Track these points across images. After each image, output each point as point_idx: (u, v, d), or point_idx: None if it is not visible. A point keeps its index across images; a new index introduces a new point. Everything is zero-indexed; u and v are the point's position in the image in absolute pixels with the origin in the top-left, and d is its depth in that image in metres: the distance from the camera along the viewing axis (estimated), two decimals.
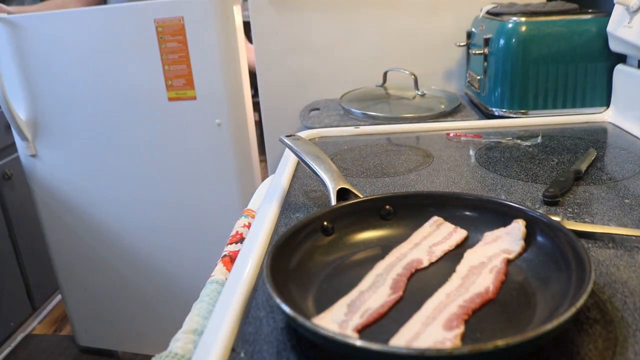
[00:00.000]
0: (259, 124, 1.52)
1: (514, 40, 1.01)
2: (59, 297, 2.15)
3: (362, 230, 0.56)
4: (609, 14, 0.97)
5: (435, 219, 0.56)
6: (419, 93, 1.22)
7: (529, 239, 0.51)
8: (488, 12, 1.15)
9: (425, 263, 0.50)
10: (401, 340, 0.39)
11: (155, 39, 1.33)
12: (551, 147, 0.85)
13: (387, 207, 0.57)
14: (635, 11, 0.87)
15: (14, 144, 1.82)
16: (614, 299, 0.45)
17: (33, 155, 1.53)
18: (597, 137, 0.90)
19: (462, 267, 0.49)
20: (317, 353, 0.41)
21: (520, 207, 0.53)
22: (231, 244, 0.67)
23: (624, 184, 0.69)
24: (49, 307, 2.12)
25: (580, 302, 0.37)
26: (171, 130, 1.42)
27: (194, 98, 1.37)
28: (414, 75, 1.22)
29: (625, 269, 0.49)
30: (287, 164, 0.82)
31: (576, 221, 0.59)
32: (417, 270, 0.50)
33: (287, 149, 0.77)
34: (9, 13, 1.39)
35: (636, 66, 0.95)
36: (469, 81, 1.24)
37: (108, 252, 1.60)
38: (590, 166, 0.75)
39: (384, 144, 0.93)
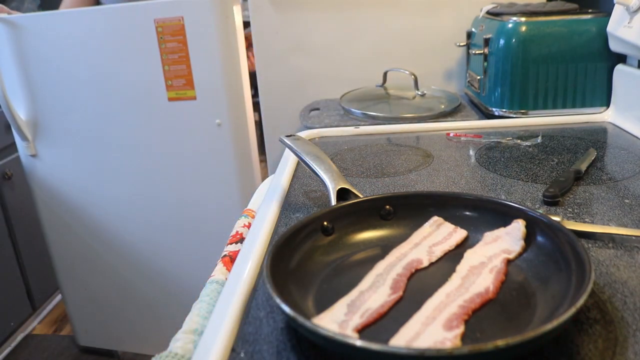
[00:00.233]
0: (259, 124, 1.52)
1: (514, 40, 1.01)
2: (59, 297, 2.15)
3: (362, 230, 0.56)
4: (609, 14, 0.97)
5: (435, 219, 0.56)
6: (419, 93, 1.22)
7: (529, 239, 0.51)
8: (488, 12, 1.15)
9: (425, 263, 0.50)
10: (401, 340, 0.39)
11: (155, 39, 1.33)
12: (551, 147, 0.85)
13: (387, 207, 0.57)
14: (635, 11, 0.87)
15: (14, 144, 1.82)
16: (614, 299, 0.45)
17: (33, 155, 1.53)
18: (597, 137, 0.90)
19: (462, 267, 0.49)
20: (317, 353, 0.41)
21: (520, 207, 0.53)
22: (231, 244, 0.67)
23: (624, 184, 0.69)
24: (49, 307, 2.12)
25: (580, 302, 0.37)
26: (171, 130, 1.42)
27: (194, 98, 1.37)
28: (414, 75, 1.22)
29: (625, 269, 0.49)
30: (287, 164, 0.82)
31: (576, 221, 0.59)
32: (417, 270, 0.50)
33: (287, 149, 0.77)
34: (9, 13, 1.39)
35: (636, 66, 0.95)
36: (469, 81, 1.24)
37: (108, 252, 1.60)
38: (590, 166, 0.75)
39: (384, 144, 0.93)
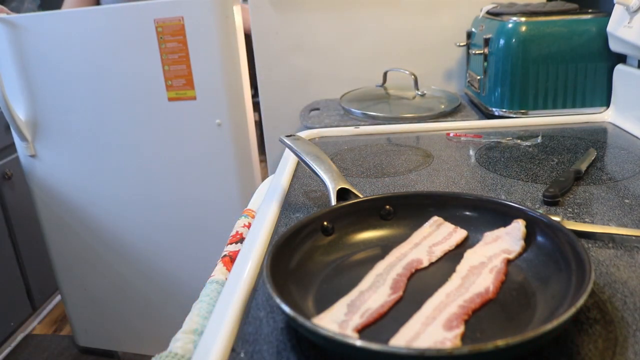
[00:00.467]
0: (259, 124, 1.52)
1: (514, 40, 1.01)
2: (59, 297, 2.15)
3: (362, 230, 0.56)
4: (609, 14, 0.97)
5: (435, 219, 0.56)
6: (419, 93, 1.22)
7: (529, 239, 0.51)
8: (488, 12, 1.15)
9: (425, 263, 0.50)
10: (401, 340, 0.39)
11: (155, 39, 1.33)
12: (551, 147, 0.85)
13: (387, 207, 0.57)
14: (635, 11, 0.87)
15: (14, 144, 1.82)
16: (614, 299, 0.45)
17: (32, 156, 1.53)
18: (597, 137, 0.90)
19: (462, 267, 0.49)
20: (317, 353, 0.41)
21: (520, 207, 0.53)
22: (231, 244, 0.67)
23: (624, 184, 0.69)
24: (49, 307, 2.12)
25: (580, 302, 0.37)
26: (171, 131, 1.42)
27: (194, 98, 1.37)
28: (414, 75, 1.22)
29: (625, 269, 0.49)
30: (287, 164, 0.82)
31: (576, 221, 0.59)
32: (417, 270, 0.50)
33: (287, 149, 0.77)
34: (8, 14, 1.38)
35: (636, 66, 0.95)
36: (469, 81, 1.24)
37: (108, 252, 1.60)
38: (590, 166, 0.75)
39: (384, 144, 0.93)
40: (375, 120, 1.11)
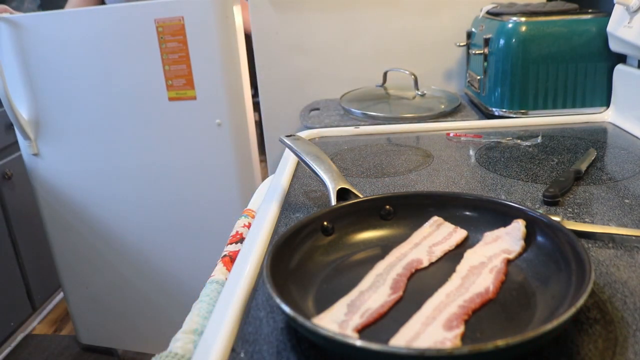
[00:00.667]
0: (259, 124, 1.52)
1: (514, 40, 1.01)
2: (59, 297, 2.15)
3: (362, 230, 0.56)
4: (609, 14, 0.97)
5: (435, 219, 0.56)
6: (419, 93, 1.22)
7: (529, 239, 0.51)
8: (488, 12, 1.15)
9: (425, 263, 0.50)
10: (401, 340, 0.39)
11: (156, 39, 1.33)
12: (551, 147, 0.85)
13: (387, 207, 0.57)
14: (635, 11, 0.87)
15: (14, 143, 1.83)
16: (614, 299, 0.45)
17: (35, 154, 1.53)
18: (597, 137, 0.90)
19: (462, 267, 0.49)
20: (317, 353, 0.41)
21: (520, 207, 0.53)
22: (231, 244, 0.67)
23: (624, 184, 0.69)
24: (49, 307, 2.12)
25: (580, 302, 0.37)
26: (171, 130, 1.42)
27: (194, 98, 1.37)
28: (414, 75, 1.22)
29: (625, 269, 0.49)
30: (287, 164, 0.82)
31: (576, 221, 0.59)
32: (417, 270, 0.50)
33: (287, 149, 0.77)
34: (11, 13, 1.39)
35: (636, 66, 0.95)
36: (469, 81, 1.24)
37: (109, 251, 1.61)
38: (590, 166, 0.75)
39: (384, 144, 0.93)
40: (375, 120, 1.11)
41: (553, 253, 0.47)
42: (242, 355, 0.41)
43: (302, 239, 0.52)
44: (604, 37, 0.98)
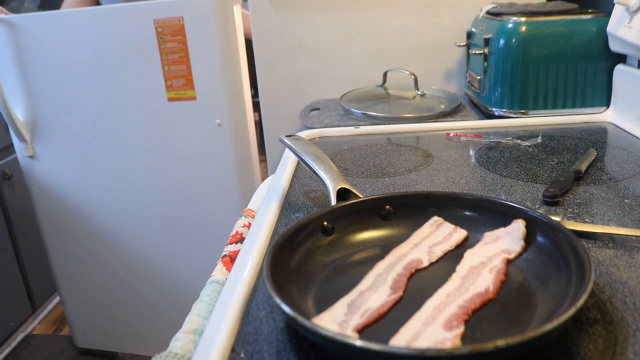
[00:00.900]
0: (259, 124, 1.52)
1: (514, 40, 1.01)
2: (59, 297, 2.15)
3: (362, 230, 0.56)
4: (609, 14, 0.97)
5: (435, 219, 0.56)
6: (419, 93, 1.22)
7: (529, 239, 0.51)
8: (488, 12, 1.15)
9: (425, 263, 0.50)
10: (401, 340, 0.39)
11: (155, 39, 1.33)
12: (551, 147, 0.85)
13: (387, 207, 0.57)
14: (635, 11, 0.87)
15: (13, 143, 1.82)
16: (614, 299, 0.45)
17: (31, 157, 1.52)
18: (597, 137, 0.90)
19: (462, 267, 0.49)
20: (317, 353, 0.41)
21: (520, 207, 0.53)
22: (231, 244, 0.67)
23: (624, 184, 0.69)
24: (49, 307, 2.12)
25: (580, 302, 0.37)
26: (171, 131, 1.42)
27: (194, 98, 1.37)
28: (414, 75, 1.22)
29: (625, 269, 0.49)
30: (287, 164, 0.82)
31: (576, 221, 0.59)
32: (417, 270, 0.50)
33: (287, 149, 0.77)
34: (6, 14, 1.38)
35: (636, 66, 0.95)
36: (469, 81, 1.24)
37: (108, 253, 1.60)
38: (590, 166, 0.75)
39: (384, 144, 0.93)
40: (375, 120, 1.11)
41: (553, 253, 0.47)
42: (242, 355, 0.41)
43: (302, 239, 0.52)
44: (604, 37, 0.98)
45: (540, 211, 0.58)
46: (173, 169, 1.46)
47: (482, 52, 1.08)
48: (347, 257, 0.53)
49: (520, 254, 0.50)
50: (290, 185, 0.75)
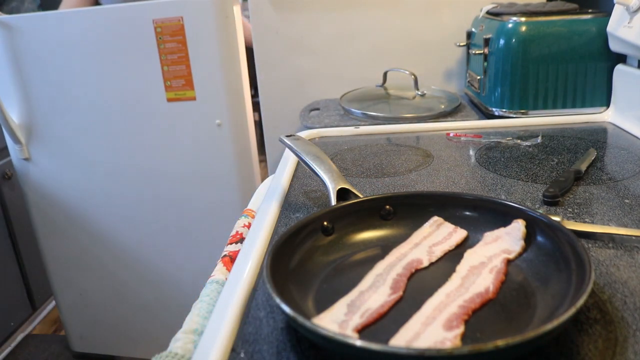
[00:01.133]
0: (259, 124, 1.52)
1: (514, 40, 1.01)
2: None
3: (362, 230, 0.56)
4: (609, 14, 0.97)
5: (435, 219, 0.56)
6: (419, 93, 1.22)
7: (529, 239, 0.51)
8: (488, 12, 1.15)
9: (425, 263, 0.50)
10: (401, 340, 0.39)
11: (154, 39, 1.33)
12: (551, 147, 0.85)
13: (387, 207, 0.57)
14: (635, 11, 0.87)
15: None
16: (614, 299, 0.45)
17: (26, 159, 1.50)
18: (597, 137, 0.90)
19: (462, 267, 0.49)
20: (317, 353, 0.41)
21: (520, 207, 0.53)
22: (231, 244, 0.67)
23: (624, 184, 0.69)
24: (49, 307, 2.12)
25: (580, 302, 0.37)
26: (171, 131, 1.41)
27: (194, 98, 1.37)
28: (414, 75, 1.22)
29: (625, 269, 0.49)
30: (287, 164, 0.82)
31: (576, 221, 0.59)
32: (417, 270, 0.50)
33: (287, 149, 0.77)
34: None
35: (636, 66, 0.95)
36: (469, 81, 1.24)
37: (105, 256, 1.59)
38: (590, 166, 0.75)
39: (384, 144, 0.93)
40: (375, 120, 1.11)
41: (553, 253, 0.47)
42: (242, 355, 0.41)
43: (302, 239, 0.52)
44: (604, 37, 0.98)
45: (540, 211, 0.58)
46: (173, 169, 1.45)
47: (482, 52, 1.08)
48: (347, 257, 0.53)
49: (520, 254, 0.50)
50: (290, 185, 0.75)
